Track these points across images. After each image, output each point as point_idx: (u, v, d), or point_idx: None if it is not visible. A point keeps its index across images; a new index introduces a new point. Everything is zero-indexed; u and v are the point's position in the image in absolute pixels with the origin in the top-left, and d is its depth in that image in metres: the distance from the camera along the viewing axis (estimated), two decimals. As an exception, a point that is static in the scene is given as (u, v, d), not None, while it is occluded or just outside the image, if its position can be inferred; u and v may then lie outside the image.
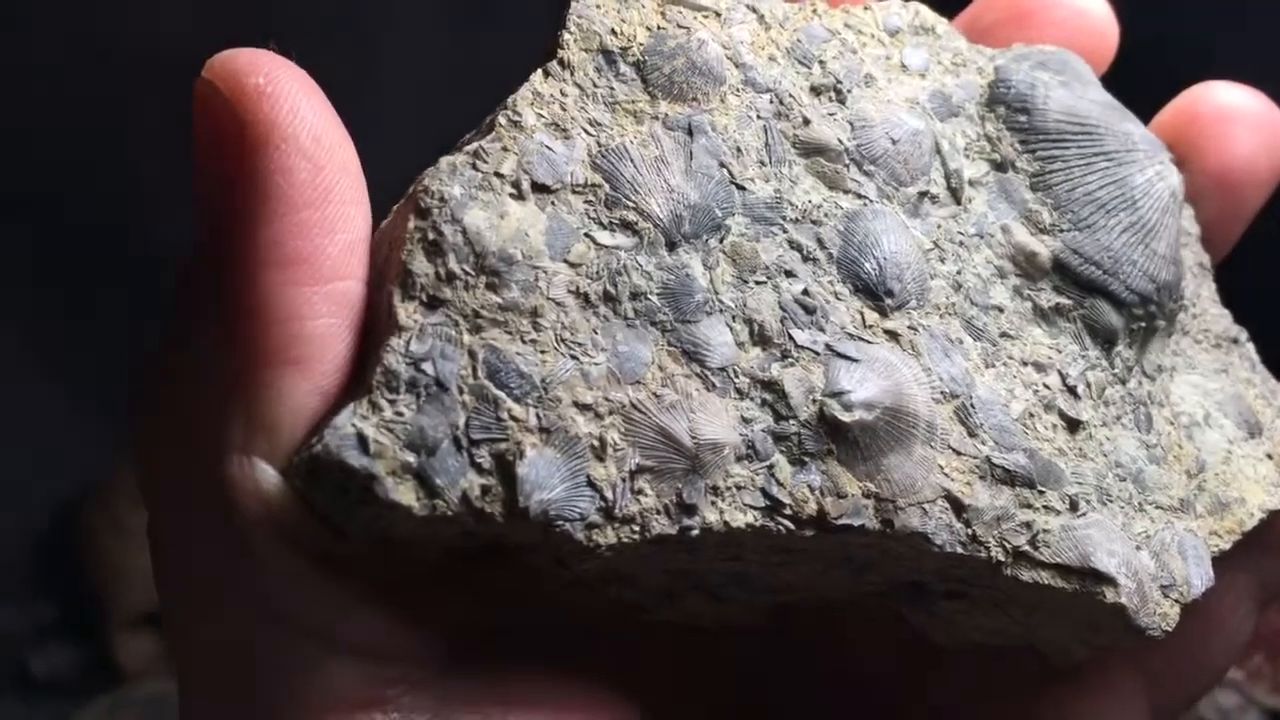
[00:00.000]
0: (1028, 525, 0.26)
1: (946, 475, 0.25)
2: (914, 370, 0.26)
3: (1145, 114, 0.32)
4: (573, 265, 0.24)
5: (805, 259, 0.26)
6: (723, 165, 0.26)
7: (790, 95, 0.27)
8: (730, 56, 0.27)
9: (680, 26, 0.27)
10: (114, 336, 0.63)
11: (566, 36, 0.26)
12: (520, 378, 0.23)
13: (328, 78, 0.25)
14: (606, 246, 0.25)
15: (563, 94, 0.25)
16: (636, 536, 0.24)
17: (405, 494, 0.22)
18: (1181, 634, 0.27)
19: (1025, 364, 0.28)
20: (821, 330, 0.26)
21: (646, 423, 0.24)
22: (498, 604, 0.26)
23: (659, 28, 0.27)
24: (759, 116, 0.27)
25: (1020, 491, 0.26)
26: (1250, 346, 0.33)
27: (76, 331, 0.81)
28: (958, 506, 0.25)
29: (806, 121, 0.27)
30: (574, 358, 0.24)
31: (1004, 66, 0.30)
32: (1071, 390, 0.28)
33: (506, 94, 0.25)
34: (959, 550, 0.25)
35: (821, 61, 0.28)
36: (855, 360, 0.25)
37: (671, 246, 0.25)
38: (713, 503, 0.24)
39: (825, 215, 0.27)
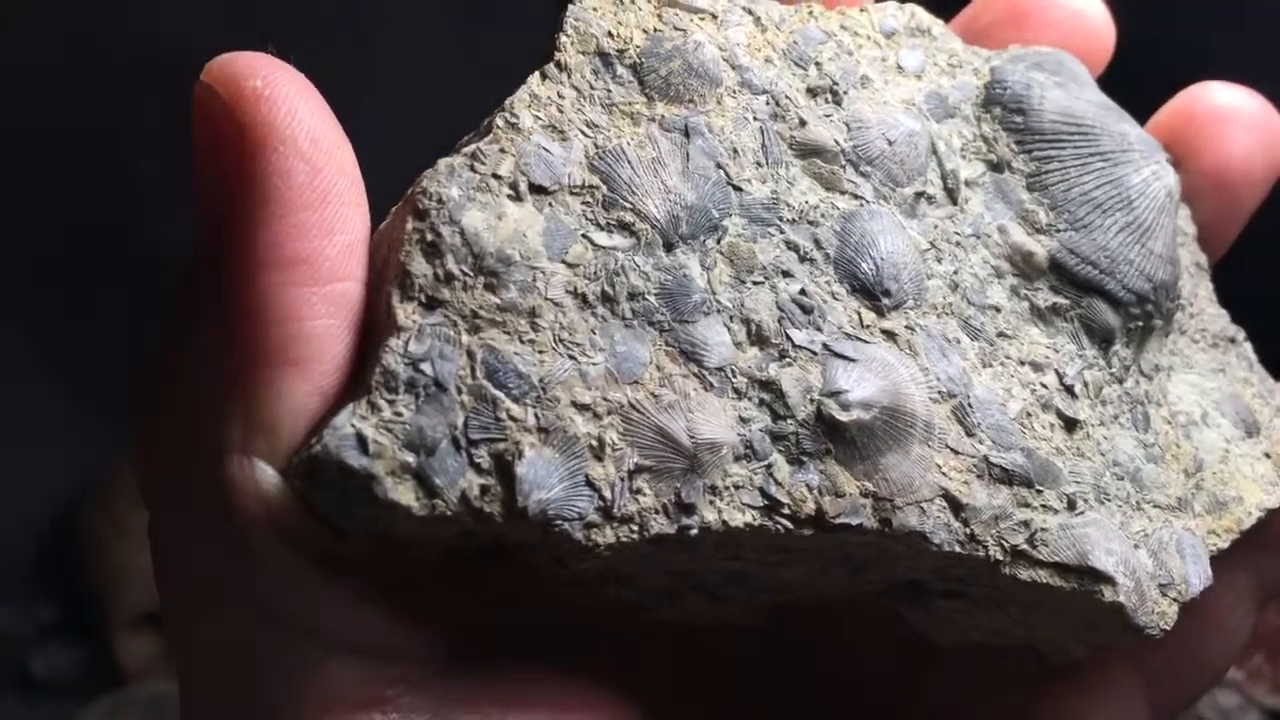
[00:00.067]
0: (1026, 524, 0.26)
1: (944, 474, 0.26)
2: (911, 370, 0.26)
3: (1142, 114, 0.32)
4: (570, 266, 0.24)
5: (802, 259, 0.26)
6: (719, 166, 0.26)
7: (787, 97, 0.27)
8: (727, 58, 0.27)
9: (677, 29, 0.27)
10: (114, 336, 0.63)
11: (563, 39, 0.26)
12: (519, 378, 0.23)
13: (328, 78, 0.25)
14: (604, 247, 0.25)
15: (560, 96, 0.26)
16: (635, 536, 0.24)
17: (404, 494, 0.22)
18: (1180, 633, 0.27)
19: (1022, 363, 0.28)
20: (819, 330, 0.26)
21: (645, 422, 0.24)
22: (497, 604, 0.26)
23: (655, 30, 0.27)
24: (755, 118, 0.27)
25: (1018, 490, 0.26)
26: (1248, 346, 0.33)
27: (76, 331, 0.81)
28: (955, 505, 0.25)
29: (803, 123, 0.27)
30: (572, 358, 0.24)
31: (1000, 67, 0.30)
32: (1069, 390, 0.28)
33: (506, 95, 0.25)
34: (957, 549, 0.25)
35: (818, 63, 0.28)
36: (852, 360, 0.25)
37: (669, 247, 0.25)
38: (711, 502, 0.24)
39: (822, 216, 0.27)
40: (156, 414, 0.26)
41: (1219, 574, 0.28)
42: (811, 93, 0.28)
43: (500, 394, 0.23)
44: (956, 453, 0.26)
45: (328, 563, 0.24)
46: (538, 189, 0.25)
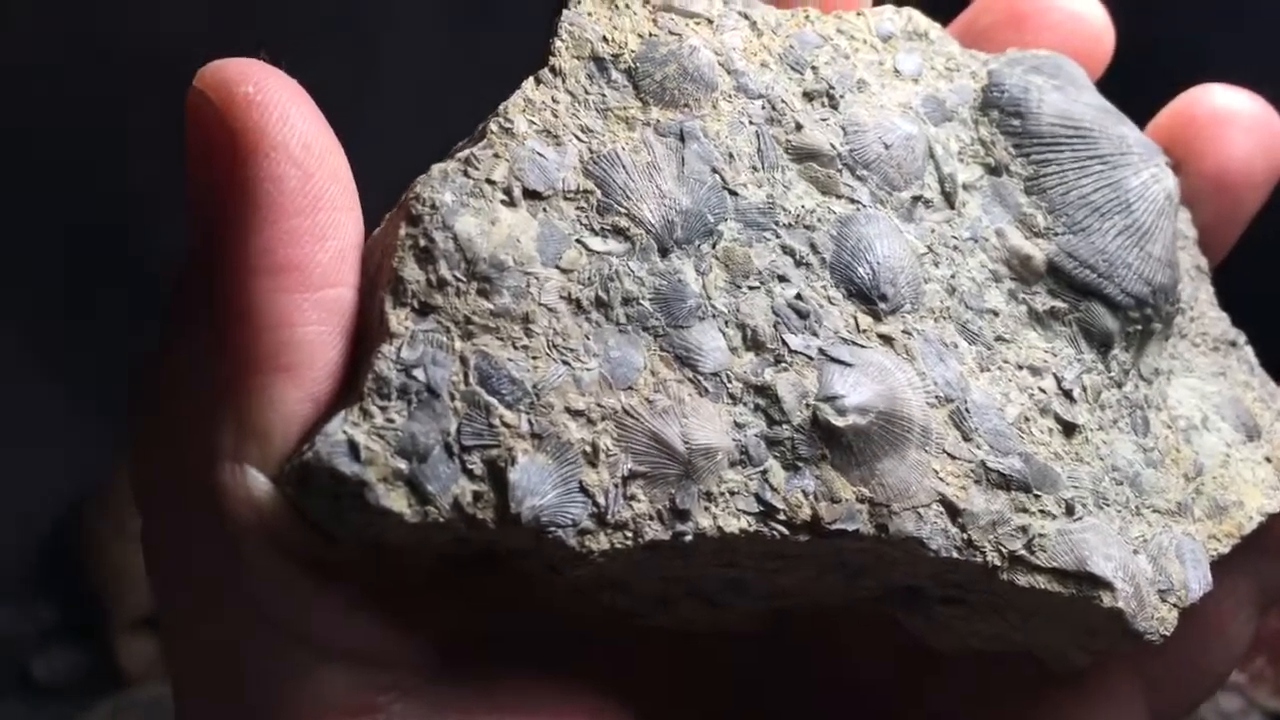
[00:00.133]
0: (1024, 529, 0.26)
1: (941, 479, 0.25)
2: (908, 374, 0.26)
3: (1141, 117, 0.32)
4: (564, 271, 0.24)
5: (798, 264, 0.26)
6: (715, 171, 0.26)
7: (783, 101, 0.27)
8: (722, 63, 0.27)
9: (672, 33, 0.27)
10: (114, 336, 0.63)
11: (558, 44, 0.26)
12: (512, 384, 0.23)
13: (327, 79, 0.25)
14: (598, 252, 0.25)
15: (554, 101, 0.25)
16: (629, 542, 0.23)
17: (397, 501, 0.22)
18: (1181, 639, 0.27)
19: (1020, 368, 0.28)
20: (815, 335, 0.26)
21: (639, 428, 0.24)
22: (490, 610, 0.26)
23: (651, 34, 0.26)
24: (751, 122, 0.27)
25: (1016, 495, 0.26)
26: (1249, 349, 0.33)
27: (76, 331, 0.81)
28: (953, 511, 0.25)
29: (799, 127, 0.27)
30: (566, 363, 0.24)
31: (997, 71, 0.30)
32: (1067, 394, 0.28)
33: (506, 96, 0.25)
34: (954, 555, 0.25)
35: (814, 67, 0.28)
36: (849, 365, 0.25)
37: (664, 252, 0.25)
38: (706, 508, 0.24)
39: (818, 220, 0.27)
40: (154, 416, 0.26)
41: (1219, 579, 0.28)
42: (808, 97, 0.28)
43: (493, 400, 0.23)
44: (954, 458, 0.26)
45: (319, 569, 0.24)
46: (532, 194, 0.24)
